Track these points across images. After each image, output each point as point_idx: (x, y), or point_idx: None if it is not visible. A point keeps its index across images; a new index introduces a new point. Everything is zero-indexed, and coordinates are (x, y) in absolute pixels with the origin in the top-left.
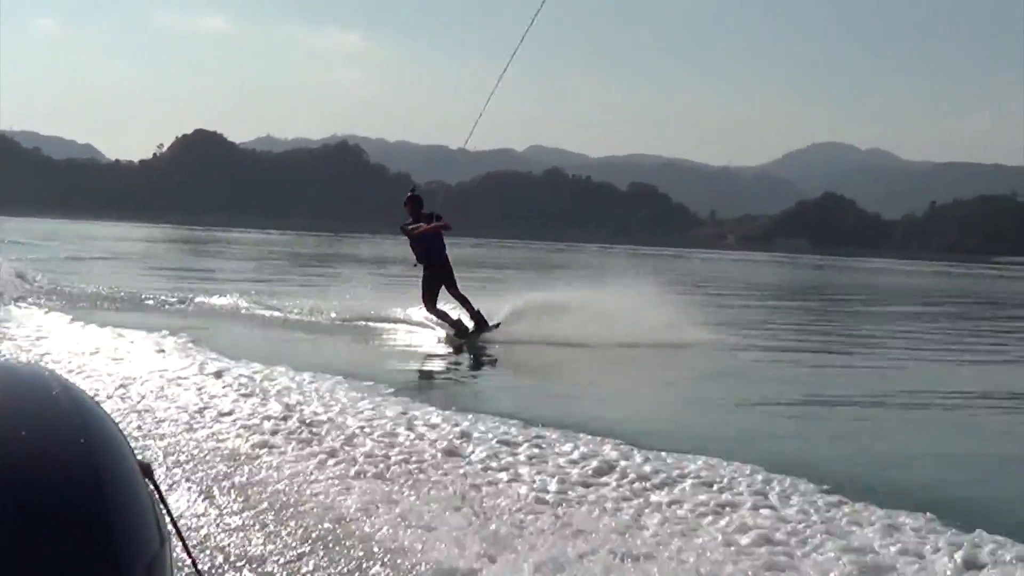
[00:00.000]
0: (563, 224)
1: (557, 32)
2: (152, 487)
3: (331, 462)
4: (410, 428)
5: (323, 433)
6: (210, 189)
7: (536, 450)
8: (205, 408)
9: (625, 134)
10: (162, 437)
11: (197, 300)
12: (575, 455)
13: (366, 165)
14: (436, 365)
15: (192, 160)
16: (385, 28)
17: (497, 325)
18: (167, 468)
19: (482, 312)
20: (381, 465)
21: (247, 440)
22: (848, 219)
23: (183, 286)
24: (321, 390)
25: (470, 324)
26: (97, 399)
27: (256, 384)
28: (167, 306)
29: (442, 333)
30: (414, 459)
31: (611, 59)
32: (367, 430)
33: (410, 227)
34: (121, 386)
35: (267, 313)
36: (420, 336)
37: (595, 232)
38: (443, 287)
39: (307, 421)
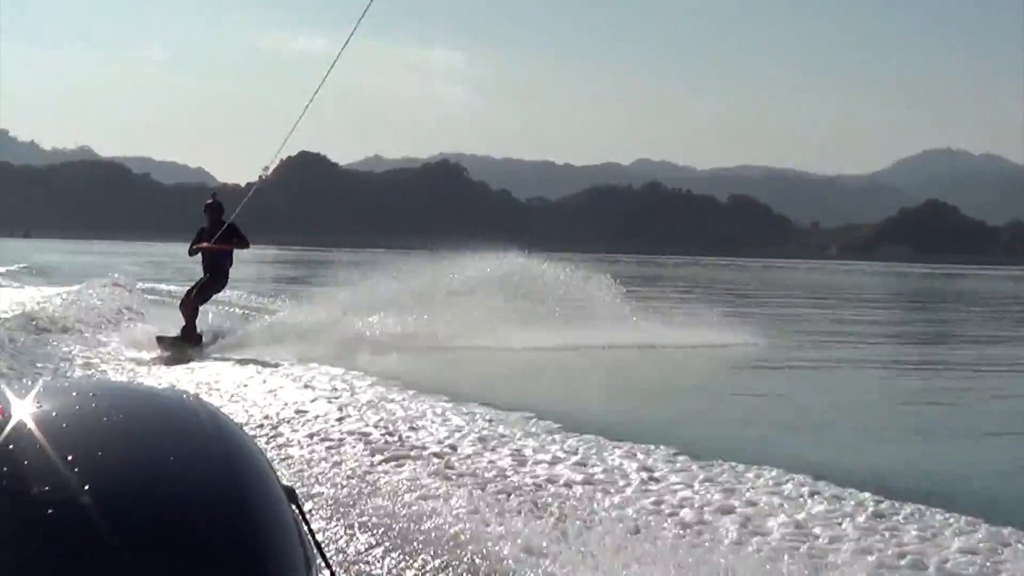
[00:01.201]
0: (662, 238)
1: (665, 43)
2: (297, 511)
3: (513, 501)
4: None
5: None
6: (314, 210)
7: None
8: (351, 433)
9: (733, 145)
10: (308, 463)
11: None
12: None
13: (468, 183)
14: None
15: (297, 182)
16: (491, 46)
17: (200, 341)
18: (311, 493)
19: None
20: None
21: (397, 469)
22: (951, 226)
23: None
24: (516, 430)
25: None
26: (242, 424)
27: (403, 410)
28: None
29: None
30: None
31: (717, 69)
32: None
33: (194, 245)
34: (267, 412)
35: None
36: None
37: (694, 245)
38: (211, 294)
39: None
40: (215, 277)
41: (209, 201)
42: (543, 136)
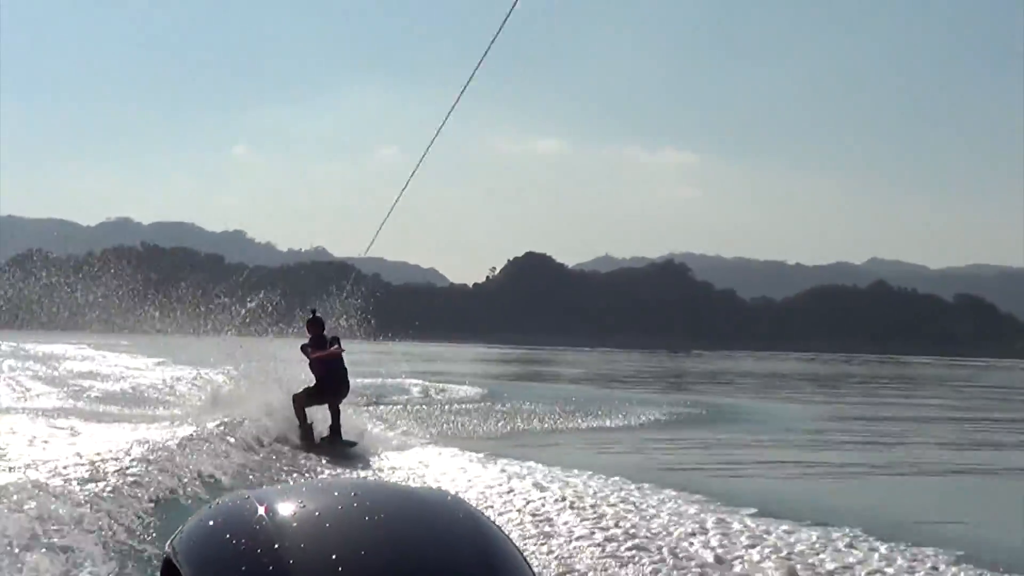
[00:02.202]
0: (887, 336)
1: (890, 141)
2: None
3: None
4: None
5: None
6: (537, 309)
7: None
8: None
9: (966, 243)
10: (569, 560)
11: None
12: None
13: (692, 282)
14: None
15: (522, 281)
16: (722, 145)
17: (353, 444)
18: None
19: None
20: None
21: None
22: None
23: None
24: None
25: (324, 434)
26: (502, 524)
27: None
28: None
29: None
30: None
31: (945, 165)
32: None
33: (310, 353)
34: (534, 514)
35: None
36: None
37: (918, 344)
38: (328, 404)
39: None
40: (329, 389)
41: (310, 316)
42: (774, 236)
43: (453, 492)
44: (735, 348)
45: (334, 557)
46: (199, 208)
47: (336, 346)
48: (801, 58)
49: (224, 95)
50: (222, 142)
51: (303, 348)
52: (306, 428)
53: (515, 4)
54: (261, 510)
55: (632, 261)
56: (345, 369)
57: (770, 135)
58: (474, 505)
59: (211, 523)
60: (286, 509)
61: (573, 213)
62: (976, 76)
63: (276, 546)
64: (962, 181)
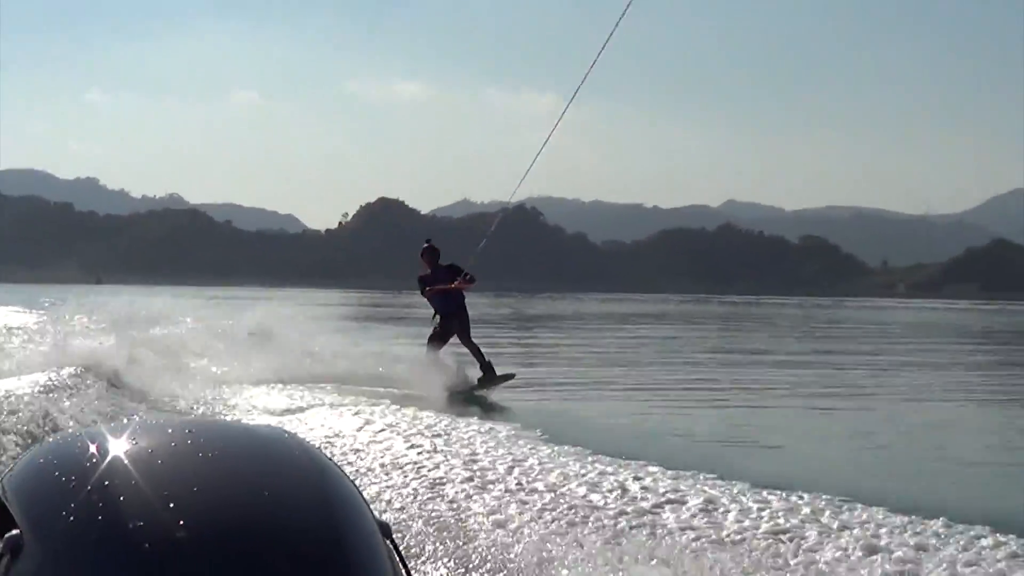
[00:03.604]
0: (734, 278)
1: (750, 84)
2: (391, 547)
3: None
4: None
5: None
6: (390, 256)
7: None
8: (449, 472)
9: (822, 185)
10: (401, 498)
11: None
12: None
13: (543, 226)
14: None
15: (375, 227)
16: (584, 88)
17: (511, 375)
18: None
19: (492, 363)
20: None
21: (483, 499)
22: (1018, 265)
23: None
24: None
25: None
26: (336, 460)
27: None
28: None
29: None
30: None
31: (807, 110)
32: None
33: (427, 288)
34: (358, 448)
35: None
36: None
37: (762, 284)
38: (457, 335)
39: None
40: (450, 319)
41: (425, 246)
42: (633, 179)
43: (289, 430)
44: (587, 291)
45: (166, 494)
46: (52, 155)
47: (460, 279)
48: None
49: (77, 33)
50: (76, 87)
51: (420, 281)
52: (452, 370)
53: None
54: (92, 448)
55: (490, 206)
56: (462, 296)
57: (633, 78)
58: (310, 442)
59: (41, 461)
60: (118, 447)
61: (434, 157)
62: (832, 17)
63: (106, 483)
64: (818, 123)
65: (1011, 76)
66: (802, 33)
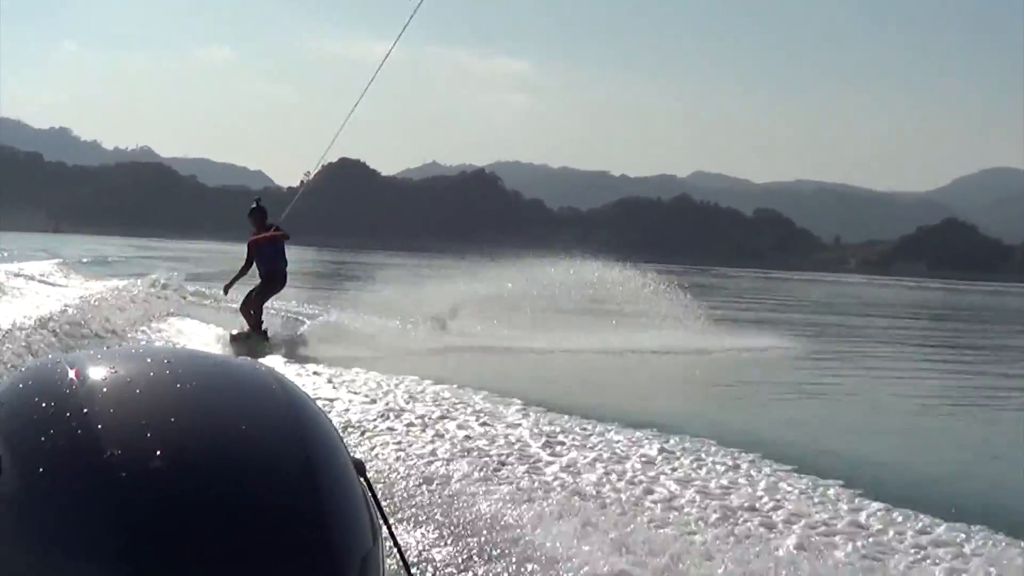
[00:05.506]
0: (685, 248)
1: (725, 56)
2: (365, 484)
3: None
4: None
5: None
6: (348, 215)
7: None
8: (421, 417)
9: (793, 159)
10: (375, 435)
11: None
12: None
13: (500, 191)
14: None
15: (336, 186)
16: (555, 56)
17: (267, 337)
18: (378, 466)
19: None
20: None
21: (451, 447)
22: (967, 244)
23: None
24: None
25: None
26: (313, 395)
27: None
28: None
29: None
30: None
31: (782, 83)
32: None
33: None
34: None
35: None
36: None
37: (714, 256)
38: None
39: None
40: (275, 279)
41: (253, 206)
42: (602, 146)
43: (266, 364)
44: (540, 256)
45: (143, 423)
46: (26, 105)
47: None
48: None
49: None
50: (50, 37)
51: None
52: (253, 324)
53: None
54: (72, 373)
55: (458, 168)
56: (284, 262)
57: (605, 45)
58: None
59: (20, 386)
60: (97, 373)
61: (404, 118)
62: None
63: (85, 411)
64: (792, 97)
65: (987, 59)
66: (784, 4)
